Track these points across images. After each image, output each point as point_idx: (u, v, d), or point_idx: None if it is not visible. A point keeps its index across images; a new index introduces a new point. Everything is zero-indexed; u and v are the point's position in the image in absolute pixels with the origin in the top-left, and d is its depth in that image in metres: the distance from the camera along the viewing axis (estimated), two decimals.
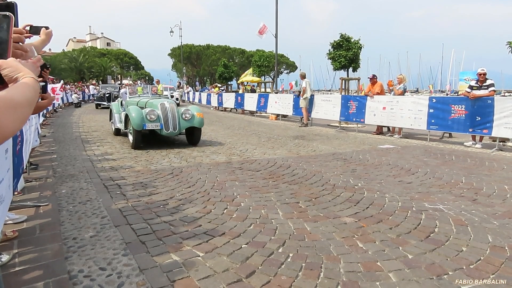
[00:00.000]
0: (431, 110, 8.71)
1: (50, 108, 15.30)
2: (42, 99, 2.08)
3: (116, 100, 10.72)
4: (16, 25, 1.22)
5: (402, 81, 10.29)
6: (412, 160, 6.37)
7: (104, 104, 21.69)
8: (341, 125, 11.97)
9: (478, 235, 3.00)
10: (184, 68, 58.63)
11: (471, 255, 2.64)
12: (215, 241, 2.86)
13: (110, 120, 10.27)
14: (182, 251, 2.68)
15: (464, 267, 2.45)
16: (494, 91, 8.11)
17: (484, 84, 7.98)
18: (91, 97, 29.85)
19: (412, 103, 9.19)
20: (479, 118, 7.79)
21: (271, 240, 2.90)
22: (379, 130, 10.43)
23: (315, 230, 3.10)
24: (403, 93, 10.07)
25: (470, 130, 8.01)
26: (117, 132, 9.24)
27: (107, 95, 22.00)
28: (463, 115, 8.10)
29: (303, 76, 12.94)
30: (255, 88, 26.47)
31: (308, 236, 2.98)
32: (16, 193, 3.78)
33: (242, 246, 2.79)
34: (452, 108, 8.30)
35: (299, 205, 3.78)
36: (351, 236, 2.98)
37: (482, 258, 2.59)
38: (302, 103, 12.33)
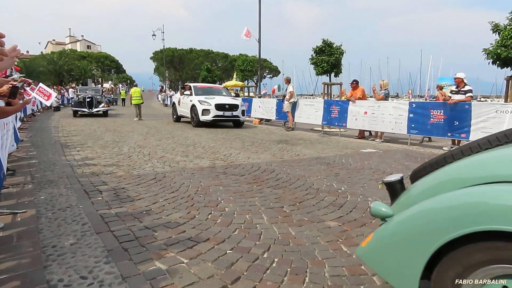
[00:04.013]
0: (411, 115, 8.91)
1: (28, 111, 14.90)
2: (10, 105, 1.99)
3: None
4: None
5: (383, 87, 10.49)
6: (394, 164, 6.49)
7: (84, 111, 17.95)
8: (324, 130, 12.09)
9: None
10: (166, 72, 58.18)
11: None
12: (200, 247, 2.83)
13: None
14: (166, 257, 2.64)
15: None
16: (471, 96, 8.38)
17: (462, 89, 8.25)
18: (70, 101, 29.15)
19: (393, 108, 9.37)
20: (457, 123, 8.02)
21: (256, 245, 2.89)
22: (361, 135, 10.58)
23: (300, 235, 3.11)
24: (384, 98, 10.26)
25: (449, 134, 8.23)
26: None
27: (87, 99, 18.12)
28: (442, 120, 8.31)
29: (288, 81, 13.04)
30: (238, 92, 26.51)
31: (293, 241, 2.98)
32: None
33: (227, 251, 2.77)
34: (431, 113, 8.51)
35: (284, 210, 3.79)
36: (335, 240, 3.00)
37: None
38: (288, 107, 12.41)
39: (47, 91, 11.44)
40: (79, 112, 18.05)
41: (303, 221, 3.45)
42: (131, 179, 5.07)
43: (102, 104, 18.51)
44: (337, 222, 3.43)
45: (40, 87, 11.36)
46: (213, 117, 12.65)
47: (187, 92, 14.16)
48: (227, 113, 12.85)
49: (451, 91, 8.74)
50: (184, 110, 14.32)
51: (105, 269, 2.45)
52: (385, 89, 10.43)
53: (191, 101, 13.48)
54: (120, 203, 3.97)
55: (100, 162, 6.34)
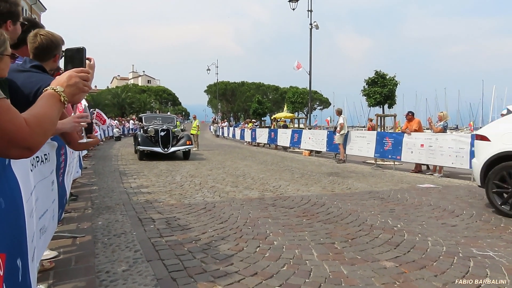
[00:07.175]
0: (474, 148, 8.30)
1: None
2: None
3: None
4: (84, 66, 1.34)
5: (442, 119, 9.98)
6: (456, 201, 6.01)
7: (155, 151, 11.68)
8: (377, 162, 11.64)
9: None
10: (219, 104, 60.28)
11: None
12: (247, 282, 2.76)
13: None
14: None
15: None
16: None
17: None
18: (130, 131, 31.11)
19: (452, 141, 8.81)
20: None
21: (305, 283, 2.76)
22: (418, 169, 10.02)
23: (353, 274, 2.93)
24: (443, 130, 9.71)
25: None
26: None
27: (161, 133, 11.81)
28: None
29: (339, 112, 12.90)
30: (287, 124, 26.63)
31: (345, 281, 2.81)
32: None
33: None
34: None
35: (335, 246, 3.62)
36: (392, 283, 2.78)
37: None
38: (339, 139, 12.18)
39: (103, 117, 12.46)
40: (146, 152, 11.95)
41: (356, 260, 3.25)
42: (182, 208, 5.17)
43: (183, 141, 12.22)
44: (393, 263, 3.19)
45: (97, 112, 12.33)
46: None
47: None
48: None
49: None
50: None
51: None
52: (444, 121, 9.91)
53: None
54: (171, 231, 4.04)
55: (154, 190, 6.58)
